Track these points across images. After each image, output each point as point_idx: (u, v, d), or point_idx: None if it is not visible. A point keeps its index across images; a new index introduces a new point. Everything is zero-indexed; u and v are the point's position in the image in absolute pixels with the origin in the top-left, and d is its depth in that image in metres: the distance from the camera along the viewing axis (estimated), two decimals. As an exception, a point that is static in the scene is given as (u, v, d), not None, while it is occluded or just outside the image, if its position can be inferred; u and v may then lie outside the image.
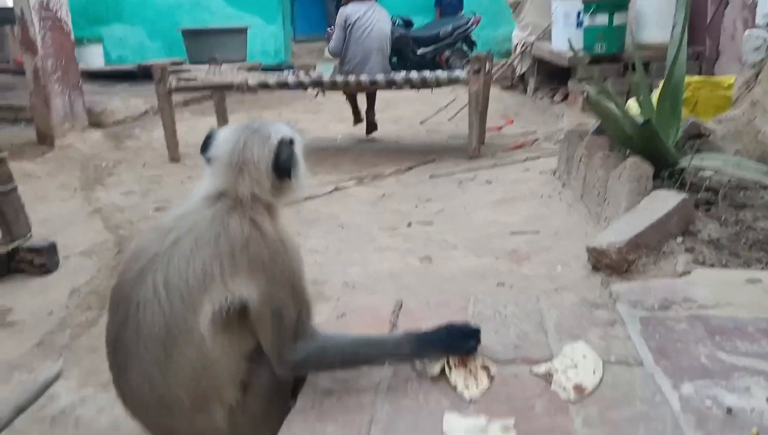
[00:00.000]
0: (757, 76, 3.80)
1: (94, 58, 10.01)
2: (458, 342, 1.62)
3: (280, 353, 1.51)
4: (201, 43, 9.16)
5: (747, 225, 2.90)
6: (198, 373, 1.45)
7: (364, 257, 3.17)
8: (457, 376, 1.59)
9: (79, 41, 6.62)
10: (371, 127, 6.41)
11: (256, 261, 1.46)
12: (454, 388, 1.57)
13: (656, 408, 1.46)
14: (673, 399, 1.50)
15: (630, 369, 1.63)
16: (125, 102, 7.37)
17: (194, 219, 1.51)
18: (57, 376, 2.15)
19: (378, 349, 1.61)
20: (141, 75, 9.11)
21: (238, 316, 1.47)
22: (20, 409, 1.97)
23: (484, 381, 1.58)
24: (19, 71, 7.61)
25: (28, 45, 5.76)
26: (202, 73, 6.07)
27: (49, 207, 4.10)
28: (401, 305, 2.04)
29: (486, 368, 1.62)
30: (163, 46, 10.95)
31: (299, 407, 1.56)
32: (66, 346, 2.39)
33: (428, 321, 1.91)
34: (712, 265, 2.52)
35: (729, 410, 1.45)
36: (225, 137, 1.58)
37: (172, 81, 5.56)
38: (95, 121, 6.60)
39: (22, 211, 3.08)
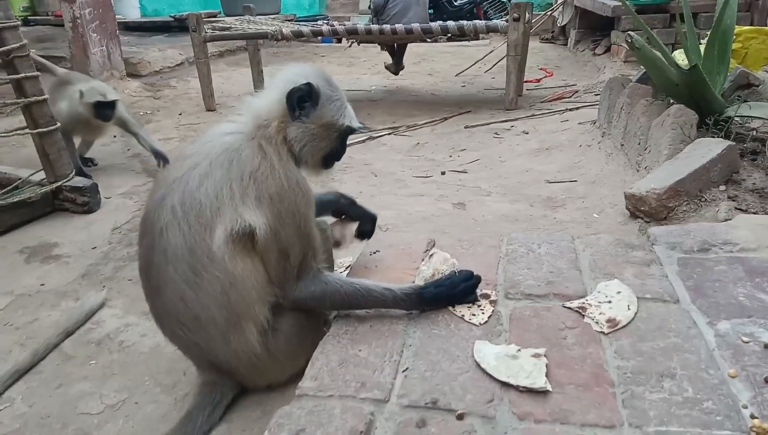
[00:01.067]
0: (813, 22, 3.61)
1: (130, 10, 10.07)
2: (460, 297, 1.63)
3: (282, 288, 1.55)
4: (236, -6, 9.10)
5: (792, 174, 2.81)
6: (226, 290, 1.49)
7: (398, 202, 3.17)
8: (461, 308, 1.62)
9: (114, -9, 6.66)
10: (396, 70, 6.38)
11: (264, 192, 1.50)
12: (461, 317, 1.58)
13: (690, 341, 1.45)
14: (709, 334, 1.49)
15: (665, 305, 1.61)
16: (162, 53, 7.43)
17: (212, 146, 1.56)
18: (101, 304, 2.24)
19: (377, 301, 1.61)
20: (177, 27, 9.15)
21: (252, 242, 1.50)
22: (68, 333, 2.07)
23: (488, 308, 1.61)
24: (58, 23, 7.71)
25: (67, -7, 5.81)
26: (236, 24, 6.04)
27: (90, 151, 4.19)
28: (434, 243, 2.05)
29: (486, 296, 1.65)
30: (198, -1, 10.93)
31: (333, 331, 1.59)
32: (109, 278, 2.47)
33: (459, 258, 1.93)
34: (755, 213, 2.45)
35: (766, 346, 1.43)
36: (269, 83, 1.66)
37: (208, 30, 5.56)
38: (132, 71, 6.67)
39: (65, 151, 3.16)
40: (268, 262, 1.54)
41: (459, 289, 1.63)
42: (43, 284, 2.45)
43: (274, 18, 7.28)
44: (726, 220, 2.37)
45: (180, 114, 5.46)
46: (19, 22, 2.91)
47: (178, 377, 1.83)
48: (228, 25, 5.84)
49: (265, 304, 1.56)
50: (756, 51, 4.78)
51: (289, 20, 7.87)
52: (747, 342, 1.44)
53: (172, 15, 9.69)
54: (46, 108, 3.05)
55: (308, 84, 1.58)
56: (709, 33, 3.33)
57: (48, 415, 1.70)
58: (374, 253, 2.03)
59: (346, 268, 2.19)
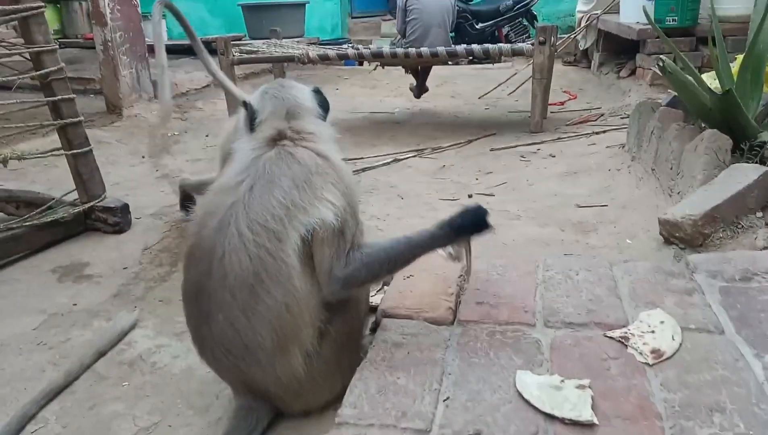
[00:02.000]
0: None
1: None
2: (481, 219, 1.73)
3: (332, 269, 1.54)
4: (260, 18, 9.25)
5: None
6: (283, 315, 1.49)
7: (425, 224, 3.13)
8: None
9: (144, 17, 6.79)
10: (419, 93, 6.41)
11: (328, 182, 1.57)
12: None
13: (739, 373, 1.41)
14: (757, 366, 1.45)
15: (710, 336, 1.57)
16: (188, 75, 7.55)
17: (261, 163, 1.59)
18: (134, 325, 2.24)
19: (418, 245, 1.69)
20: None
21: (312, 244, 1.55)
22: (100, 354, 2.07)
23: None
24: (87, 45, 7.89)
25: (99, 17, 5.94)
26: (263, 47, 6.13)
27: (120, 171, 4.24)
28: (467, 268, 2.03)
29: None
30: (223, 22, 11.12)
31: (371, 357, 1.58)
32: (141, 298, 2.48)
33: (494, 284, 1.91)
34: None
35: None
36: (261, 97, 1.75)
37: (235, 54, 5.65)
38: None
39: (97, 172, 3.20)
40: (323, 250, 1.54)
41: (480, 214, 1.72)
42: (75, 304, 2.46)
43: (299, 41, 7.39)
44: (765, 247, 2.32)
45: (207, 135, 5.52)
46: (56, 46, 2.97)
47: (210, 400, 1.81)
48: (255, 49, 5.93)
49: (314, 328, 1.56)
50: (787, 75, 4.73)
51: (313, 43, 7.98)
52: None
53: (200, 37, 9.87)
54: (81, 129, 3.10)
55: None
56: (741, 57, 3.29)
57: (82, 437, 1.70)
58: (408, 277, 2.02)
59: (378, 290, 2.17)
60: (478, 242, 2.85)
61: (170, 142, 5.30)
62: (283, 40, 6.46)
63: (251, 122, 1.71)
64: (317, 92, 1.80)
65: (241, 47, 5.94)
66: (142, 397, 1.86)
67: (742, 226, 2.54)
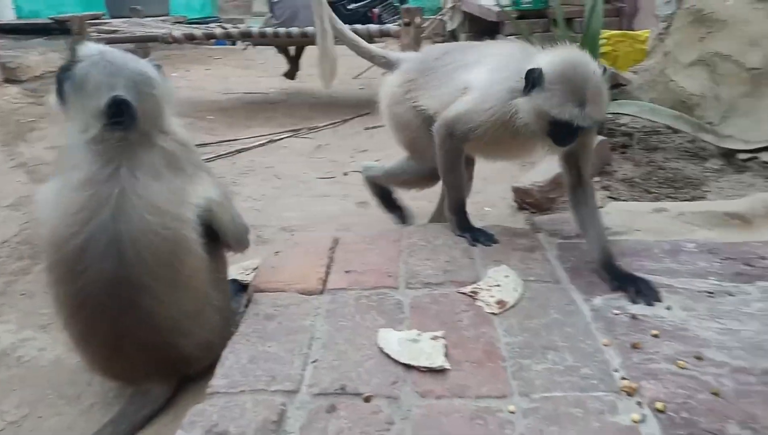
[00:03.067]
0: (668, 28, 4.03)
1: (3, 11, 9.36)
2: None
3: (241, 221, 1.81)
4: (121, -5, 8.72)
5: (658, 165, 3.15)
6: (198, 281, 1.63)
7: (301, 203, 3.22)
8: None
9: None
10: (292, 75, 6.40)
11: (195, 164, 1.67)
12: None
13: (570, 316, 1.63)
14: (585, 309, 1.68)
15: (547, 286, 1.79)
16: (43, 56, 6.99)
17: (131, 154, 1.57)
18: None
19: None
20: (58, 29, 8.61)
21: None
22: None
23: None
24: None
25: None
26: (123, 26, 5.81)
27: (-33, 162, 3.91)
28: (338, 241, 2.13)
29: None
30: (79, -2, 10.33)
31: (242, 331, 1.63)
32: (1, 292, 2.34)
33: (363, 253, 2.02)
34: (625, 201, 2.73)
35: (633, 316, 1.63)
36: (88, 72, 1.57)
37: (93, 34, 5.32)
38: (10, 76, 6.23)
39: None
40: (226, 219, 1.73)
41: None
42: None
43: (163, 20, 7.07)
44: (600, 208, 2.63)
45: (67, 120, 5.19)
46: None
47: (82, 388, 1.79)
48: (115, 28, 5.62)
49: (216, 284, 1.73)
50: (625, 54, 5.26)
51: (179, 22, 7.65)
52: (617, 314, 1.64)
53: (52, 17, 9.11)
54: None
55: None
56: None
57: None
58: (277, 253, 2.08)
59: (253, 269, 2.22)
60: (351, 218, 2.98)
61: (25, 128, 4.92)
62: (146, 18, 6.16)
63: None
64: (158, 67, 1.72)
65: (99, 27, 5.60)
66: (9, 391, 1.80)
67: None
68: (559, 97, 1.71)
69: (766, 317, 1.58)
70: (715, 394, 1.31)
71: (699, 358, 1.43)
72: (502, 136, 1.90)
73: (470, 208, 3.00)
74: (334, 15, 2.61)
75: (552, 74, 1.72)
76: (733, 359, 1.42)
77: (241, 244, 1.82)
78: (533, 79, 1.73)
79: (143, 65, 1.65)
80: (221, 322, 1.74)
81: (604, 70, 1.79)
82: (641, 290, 1.71)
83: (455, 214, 2.13)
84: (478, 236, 2.06)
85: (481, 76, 1.96)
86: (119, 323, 1.56)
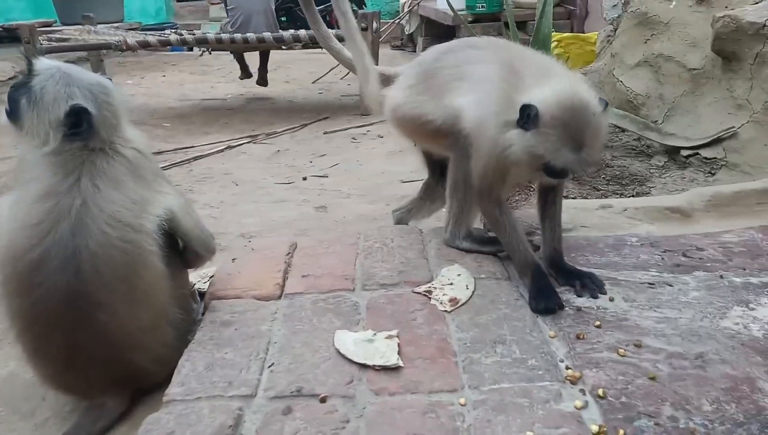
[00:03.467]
0: (615, 31, 4.18)
1: (-53, 18, 9.08)
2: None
3: (203, 229, 1.80)
4: (72, 1, 8.55)
5: (606, 163, 3.26)
6: (155, 295, 1.61)
7: (260, 209, 3.23)
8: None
9: None
10: (263, 81, 6.40)
11: (155, 174, 1.69)
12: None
13: (518, 311, 1.69)
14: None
15: (498, 282, 1.85)
16: (-9, 65, 6.82)
17: (92, 165, 1.58)
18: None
19: None
20: (6, 37, 8.40)
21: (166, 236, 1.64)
22: None
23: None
24: None
25: None
26: (75, 34, 5.71)
27: None
28: (296, 246, 2.15)
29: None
30: (28, 5, 10.08)
31: (198, 338, 1.64)
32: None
33: (320, 257, 2.05)
34: (574, 198, 2.82)
35: (578, 308, 1.70)
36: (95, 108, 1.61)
37: (44, 42, 5.21)
38: (-44, 85, 6.06)
39: None
40: (189, 228, 1.73)
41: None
42: None
43: (117, 27, 6.97)
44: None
45: (17, 131, 5.06)
46: None
47: (37, 403, 1.76)
48: (66, 36, 5.51)
49: (176, 299, 1.71)
50: (576, 55, 5.42)
51: (134, 29, 7.56)
52: (563, 307, 1.70)
53: (0, 24, 8.89)
54: None
55: None
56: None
57: None
58: (234, 260, 2.09)
59: (210, 277, 2.22)
60: (310, 223, 3.01)
61: (-28, 141, 4.79)
62: (99, 26, 6.07)
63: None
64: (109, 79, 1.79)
65: (50, 35, 5.49)
66: (-41, 409, 1.76)
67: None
68: (554, 142, 1.57)
69: (701, 305, 1.67)
70: (652, 378, 1.38)
71: (638, 345, 1.50)
72: (502, 169, 1.78)
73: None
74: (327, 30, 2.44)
75: (547, 115, 1.58)
76: (670, 346, 1.50)
77: (208, 250, 1.82)
78: (527, 117, 1.60)
79: (98, 77, 1.71)
80: (178, 337, 1.71)
81: (606, 105, 1.65)
82: (586, 284, 1.78)
83: (530, 279, 1.76)
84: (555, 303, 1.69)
85: (471, 107, 1.81)
86: (73, 338, 1.55)
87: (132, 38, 5.23)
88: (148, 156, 1.73)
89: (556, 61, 1.89)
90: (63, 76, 1.61)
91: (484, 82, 1.82)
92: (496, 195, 1.84)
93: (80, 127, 1.56)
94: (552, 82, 1.67)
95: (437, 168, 2.24)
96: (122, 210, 1.55)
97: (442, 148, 2.02)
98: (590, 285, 1.77)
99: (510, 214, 1.87)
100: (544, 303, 1.69)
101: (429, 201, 2.35)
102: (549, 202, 1.95)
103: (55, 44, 5.32)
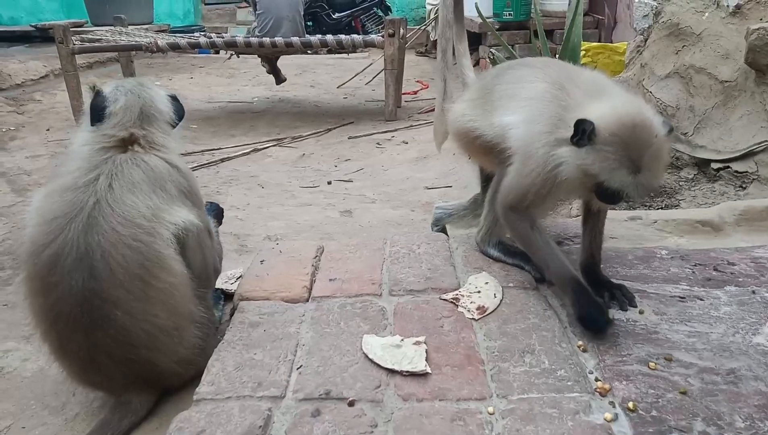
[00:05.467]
0: (645, 41, 4.14)
1: (-18, 18, 9.30)
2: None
3: (214, 263, 1.82)
4: (103, 2, 8.70)
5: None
6: (173, 295, 1.62)
7: (285, 212, 3.26)
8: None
9: None
10: (278, 76, 6.45)
11: (181, 190, 1.69)
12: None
13: (547, 321, 1.68)
14: (562, 313, 1.73)
15: (526, 292, 1.84)
16: (23, 64, 6.96)
17: (114, 163, 1.63)
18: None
19: None
20: (39, 37, 8.58)
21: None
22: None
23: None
24: None
25: None
26: (107, 35, 5.82)
27: (-53, 172, 3.88)
28: (323, 250, 2.17)
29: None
30: (60, 6, 10.27)
31: (228, 338, 1.66)
32: (-18, 304, 2.35)
33: (347, 262, 2.06)
34: (601, 209, 2.80)
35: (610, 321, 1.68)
36: (115, 91, 1.75)
37: (76, 42, 5.32)
38: (-10, 84, 6.21)
39: None
40: (203, 252, 1.76)
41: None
42: None
43: (146, 29, 7.07)
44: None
45: (48, 130, 5.17)
46: None
47: (66, 398, 1.80)
48: (98, 37, 5.61)
49: (198, 300, 1.72)
50: (603, 65, 5.37)
51: (163, 31, 7.67)
52: (612, 323, 1.68)
53: (33, 24, 9.08)
54: None
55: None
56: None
57: None
58: (263, 262, 2.11)
59: (237, 278, 2.24)
60: (335, 227, 3.02)
61: (5, 137, 4.90)
62: (130, 27, 6.17)
63: (97, 111, 1.70)
64: (174, 99, 1.86)
65: (82, 35, 5.59)
66: (-8, 403, 1.80)
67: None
68: (611, 162, 1.47)
69: (732, 321, 1.65)
70: (683, 393, 1.37)
71: (669, 359, 1.49)
72: (548, 190, 1.67)
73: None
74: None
75: (605, 132, 1.48)
76: (701, 360, 1.48)
77: (203, 282, 1.77)
78: (582, 132, 1.50)
79: (160, 99, 1.82)
80: (203, 337, 1.73)
81: (670, 129, 1.54)
82: (615, 295, 1.76)
83: (570, 296, 1.68)
84: (604, 320, 1.61)
85: (519, 126, 1.75)
86: (93, 337, 1.57)
87: (162, 40, 5.31)
88: (183, 172, 1.75)
89: (613, 81, 1.83)
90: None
91: (533, 101, 1.75)
92: (531, 214, 1.77)
93: (101, 112, 1.68)
94: (610, 99, 1.59)
95: (488, 184, 2.18)
96: (133, 211, 1.57)
97: (492, 164, 1.99)
98: (620, 297, 1.75)
99: (542, 231, 1.79)
100: (591, 323, 1.60)
101: (472, 215, 2.31)
102: (594, 211, 1.86)
103: (87, 44, 5.41)
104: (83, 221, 1.54)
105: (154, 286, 1.58)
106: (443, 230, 2.31)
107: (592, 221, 1.88)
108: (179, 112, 1.84)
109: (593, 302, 1.64)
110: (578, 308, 1.64)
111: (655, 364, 1.47)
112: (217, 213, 2.15)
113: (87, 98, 1.77)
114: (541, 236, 1.77)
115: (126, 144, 1.68)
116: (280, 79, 6.43)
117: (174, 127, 1.82)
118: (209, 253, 1.79)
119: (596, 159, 1.49)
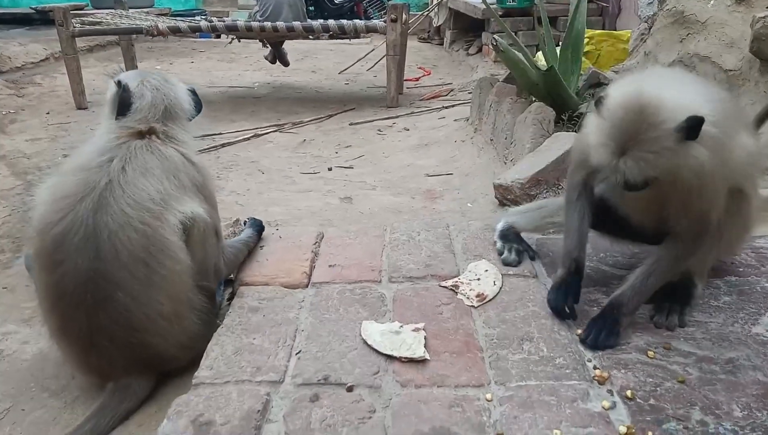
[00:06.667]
0: (649, 29, 4.11)
1: (-18, 0, 9.23)
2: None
3: (217, 263, 1.78)
4: (105, -15, 8.64)
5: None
6: (176, 282, 1.62)
7: (286, 198, 3.25)
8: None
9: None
10: (282, 58, 6.44)
11: (194, 183, 1.70)
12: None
13: (545, 309, 1.68)
14: (561, 302, 1.72)
15: (525, 280, 1.84)
16: (23, 47, 6.93)
17: (129, 148, 1.65)
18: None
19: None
20: (39, 20, 8.53)
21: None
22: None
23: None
24: None
25: None
26: (107, 18, 5.77)
27: (-53, 154, 3.87)
28: (323, 236, 2.16)
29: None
30: (61, -12, 10.20)
31: (227, 323, 1.66)
32: (-19, 287, 2.35)
33: (347, 248, 2.06)
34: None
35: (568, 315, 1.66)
36: (140, 86, 1.77)
37: (76, 25, 5.28)
38: (-10, 66, 6.18)
39: None
40: (204, 249, 1.73)
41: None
42: None
43: (147, 12, 7.02)
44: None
45: (48, 113, 5.15)
46: None
47: (66, 381, 1.80)
48: (98, 20, 5.57)
49: (198, 289, 1.72)
50: (607, 53, 5.33)
51: (164, 14, 7.61)
52: (592, 307, 1.69)
53: (33, 7, 9.02)
54: None
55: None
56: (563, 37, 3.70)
57: None
58: (261, 247, 2.11)
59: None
60: (335, 213, 3.01)
61: (5, 120, 4.88)
62: (130, 10, 6.12)
63: (123, 106, 1.71)
64: (193, 93, 1.88)
65: (83, 18, 5.55)
66: (-9, 385, 1.80)
67: (562, 186, 2.90)
68: (599, 135, 1.44)
69: (732, 310, 1.65)
70: (682, 382, 1.37)
71: (667, 348, 1.49)
72: (584, 161, 1.60)
73: (452, 203, 3.07)
74: None
75: (608, 105, 1.44)
76: (700, 350, 1.48)
77: (203, 277, 1.74)
78: (597, 102, 1.48)
79: (182, 95, 1.85)
80: (203, 324, 1.73)
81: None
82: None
83: (561, 270, 1.69)
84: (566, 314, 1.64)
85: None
86: (96, 318, 1.58)
87: (163, 24, 5.27)
88: (199, 168, 1.76)
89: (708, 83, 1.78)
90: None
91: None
92: (576, 180, 1.73)
93: (126, 103, 1.70)
94: (633, 79, 1.55)
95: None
96: (143, 194, 1.58)
97: None
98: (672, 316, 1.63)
99: (583, 205, 1.72)
100: (554, 300, 1.64)
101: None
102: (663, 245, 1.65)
103: (87, 27, 5.38)
104: (94, 201, 1.55)
105: (157, 271, 1.58)
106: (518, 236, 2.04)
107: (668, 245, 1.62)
108: (197, 106, 1.87)
109: (570, 286, 1.65)
110: (555, 283, 1.69)
111: (654, 352, 1.47)
112: (259, 228, 2.13)
113: (110, 89, 1.77)
114: (576, 210, 1.72)
115: (144, 135, 1.70)
116: (285, 61, 6.41)
117: (191, 120, 1.84)
118: (212, 251, 1.77)
119: (594, 130, 1.47)
